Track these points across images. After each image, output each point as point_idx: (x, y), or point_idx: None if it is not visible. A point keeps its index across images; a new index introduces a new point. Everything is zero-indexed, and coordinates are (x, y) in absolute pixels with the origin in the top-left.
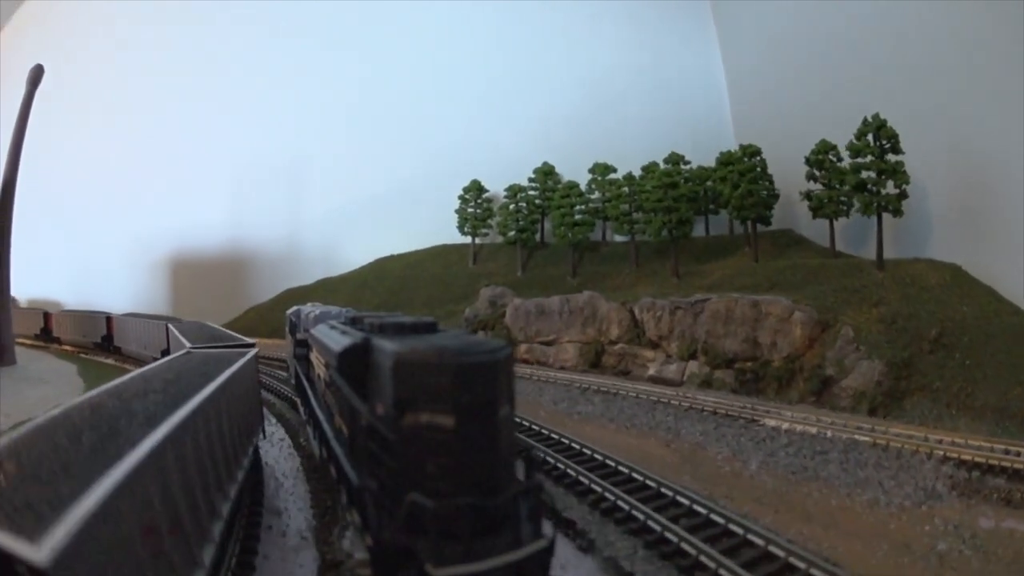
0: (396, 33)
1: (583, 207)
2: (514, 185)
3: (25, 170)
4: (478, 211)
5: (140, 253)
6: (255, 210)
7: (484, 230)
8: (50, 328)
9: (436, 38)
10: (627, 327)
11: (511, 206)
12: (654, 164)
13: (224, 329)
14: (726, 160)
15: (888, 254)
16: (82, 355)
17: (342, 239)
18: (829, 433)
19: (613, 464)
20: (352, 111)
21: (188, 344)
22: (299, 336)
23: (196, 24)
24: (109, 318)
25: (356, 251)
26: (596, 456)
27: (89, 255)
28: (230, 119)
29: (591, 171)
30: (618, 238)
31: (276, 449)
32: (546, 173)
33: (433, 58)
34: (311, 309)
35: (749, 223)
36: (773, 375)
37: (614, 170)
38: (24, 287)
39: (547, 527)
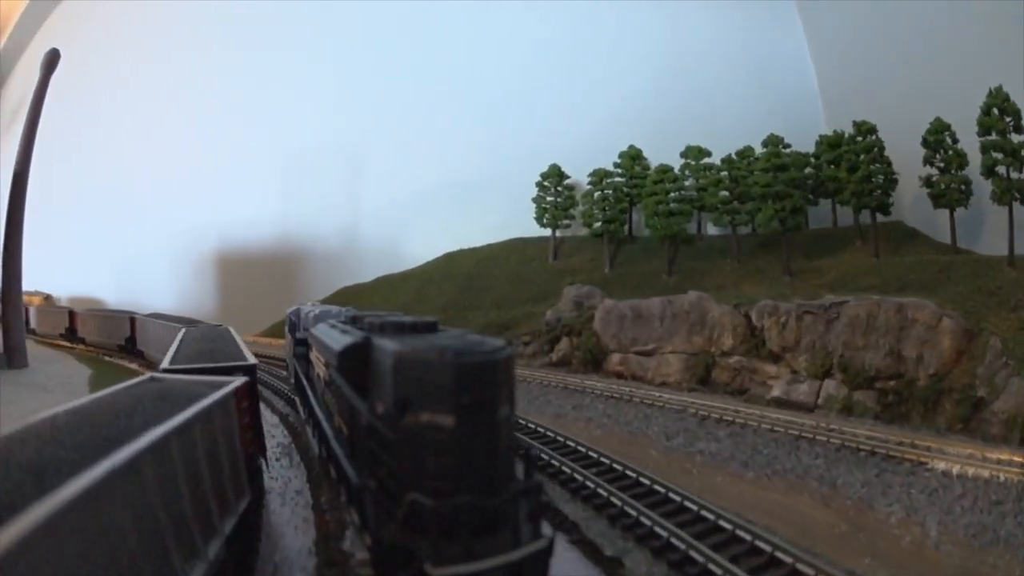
0: (466, 10)
1: (678, 194)
2: (599, 169)
3: (70, 166)
4: (559, 200)
5: (185, 249)
6: (307, 203)
7: (566, 221)
8: (75, 328)
9: (509, 15)
10: (743, 336)
11: (596, 193)
12: (749, 148)
13: (238, 339)
14: (834, 141)
15: (998, 249)
16: (107, 358)
17: (404, 233)
18: (1002, 476)
19: (789, 560)
20: (414, 94)
21: (166, 361)
22: (299, 335)
23: (243, 11)
24: (133, 319)
25: (420, 245)
26: (761, 546)
27: (133, 251)
28: (279, 108)
29: (683, 155)
30: (712, 230)
31: (288, 509)
32: (633, 157)
33: (505, 35)
34: (311, 308)
35: (861, 213)
36: (919, 397)
37: (708, 154)
38: (68, 284)
39: (546, 527)
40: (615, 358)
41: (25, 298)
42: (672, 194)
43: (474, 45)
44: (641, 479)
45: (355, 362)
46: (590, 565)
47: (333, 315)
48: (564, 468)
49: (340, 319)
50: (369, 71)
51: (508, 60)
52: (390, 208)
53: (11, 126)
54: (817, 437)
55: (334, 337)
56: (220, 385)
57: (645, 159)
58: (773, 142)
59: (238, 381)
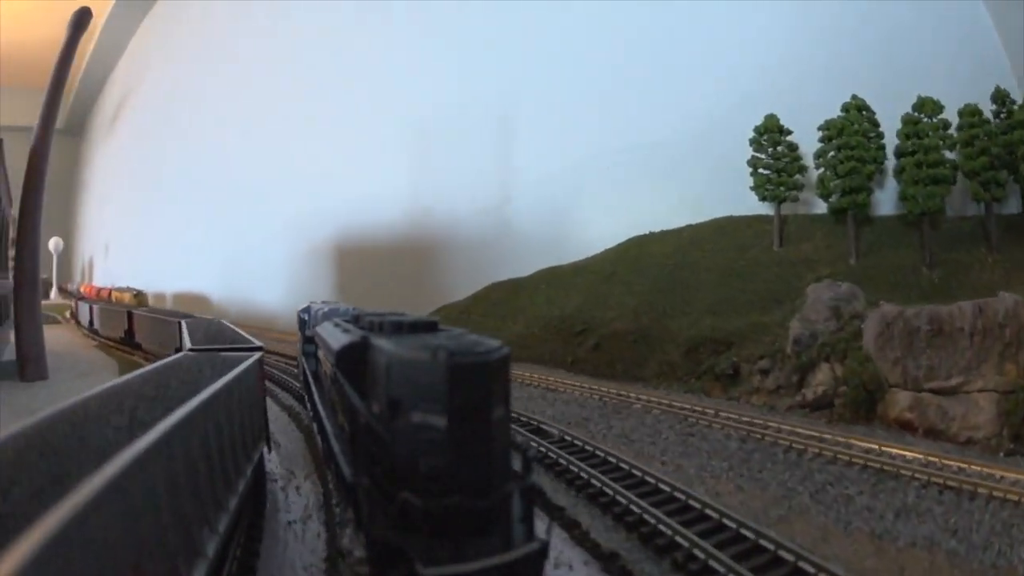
0: None
1: (935, 155)
2: (833, 121)
3: (181, 159)
4: (782, 163)
5: (298, 239)
6: (444, 178)
7: (793, 192)
8: (134, 331)
9: None
10: None
11: (831, 153)
12: (971, 106)
13: (216, 387)
14: None
15: None
16: None
17: (574, 213)
18: None
19: None
20: (582, 31)
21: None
22: (307, 333)
23: None
24: (180, 324)
25: (596, 229)
26: None
27: (244, 243)
28: (406, 62)
29: (915, 108)
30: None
31: None
32: (860, 109)
33: None
34: (320, 306)
35: None
36: None
37: (942, 108)
38: (178, 280)
39: (542, 529)
40: (901, 399)
41: (115, 295)
42: (918, 155)
43: None
44: None
45: (353, 361)
46: None
47: (340, 313)
48: None
49: (344, 317)
50: (521, 6)
51: None
52: (554, 181)
53: (113, 126)
54: None
55: (335, 336)
56: None
57: (873, 111)
58: (1000, 97)
59: None
